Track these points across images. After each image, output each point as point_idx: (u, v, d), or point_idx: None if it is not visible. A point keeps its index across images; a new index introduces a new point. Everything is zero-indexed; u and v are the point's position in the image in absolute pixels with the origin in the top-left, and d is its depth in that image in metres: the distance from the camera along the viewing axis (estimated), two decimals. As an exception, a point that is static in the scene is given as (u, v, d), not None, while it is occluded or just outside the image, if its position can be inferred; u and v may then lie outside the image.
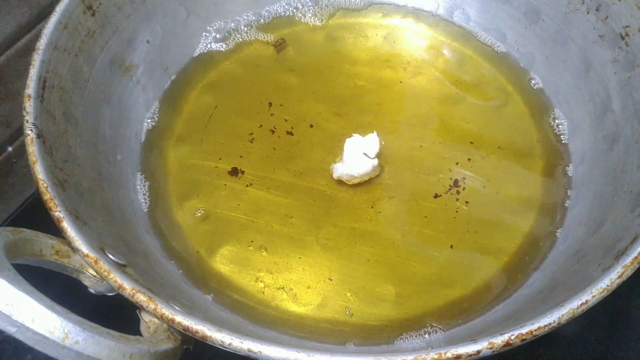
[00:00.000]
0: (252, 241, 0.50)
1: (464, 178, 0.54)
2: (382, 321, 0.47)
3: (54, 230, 0.37)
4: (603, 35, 0.54)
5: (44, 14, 0.54)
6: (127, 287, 0.34)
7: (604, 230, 0.45)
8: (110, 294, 0.40)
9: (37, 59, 0.43)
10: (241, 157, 0.56)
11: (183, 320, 0.33)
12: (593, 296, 0.34)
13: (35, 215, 0.41)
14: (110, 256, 0.38)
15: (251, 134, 0.57)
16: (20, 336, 0.30)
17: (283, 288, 0.48)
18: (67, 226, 0.36)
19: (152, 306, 0.33)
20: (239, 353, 0.32)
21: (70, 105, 0.46)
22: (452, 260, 0.50)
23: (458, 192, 0.54)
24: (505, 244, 0.51)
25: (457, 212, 0.52)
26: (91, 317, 0.32)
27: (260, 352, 0.31)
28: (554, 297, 0.43)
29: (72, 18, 0.47)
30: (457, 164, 0.55)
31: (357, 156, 0.52)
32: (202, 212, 0.52)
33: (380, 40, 0.65)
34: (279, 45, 0.61)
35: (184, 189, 0.53)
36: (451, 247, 0.50)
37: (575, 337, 0.52)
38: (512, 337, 0.31)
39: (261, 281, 0.48)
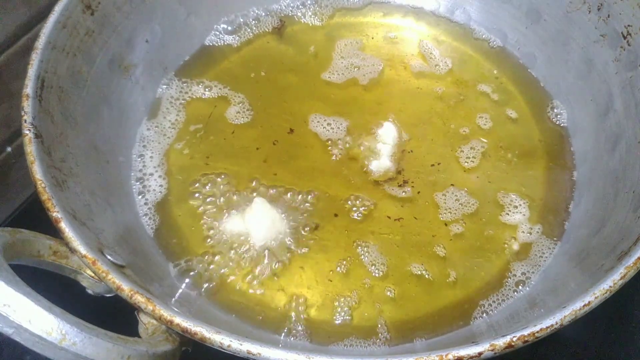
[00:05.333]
0: (251, 242, 0.50)
1: (464, 179, 0.54)
2: (383, 322, 0.46)
3: (53, 231, 0.37)
4: (605, 35, 0.53)
5: (44, 14, 0.54)
6: (126, 288, 0.34)
7: (606, 231, 0.45)
8: (108, 295, 0.40)
9: (35, 58, 0.43)
10: (241, 156, 0.55)
11: (182, 321, 0.32)
12: (596, 297, 0.33)
13: (34, 216, 0.40)
14: (109, 257, 0.37)
15: (251, 134, 0.57)
16: (17, 337, 0.30)
17: (283, 289, 0.48)
18: (65, 226, 0.36)
19: (150, 307, 0.33)
20: (238, 355, 0.31)
21: (69, 105, 0.46)
22: (453, 260, 0.49)
23: (459, 192, 0.53)
24: (507, 245, 0.50)
25: (458, 212, 0.52)
26: (89, 318, 0.32)
27: (260, 354, 0.31)
28: (556, 298, 0.42)
29: (71, 17, 0.47)
30: (457, 164, 0.55)
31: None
32: (202, 213, 0.52)
33: (380, 40, 0.65)
34: (280, 28, 0.61)
35: (184, 189, 0.53)
36: (452, 247, 0.50)
37: (577, 338, 0.52)
38: (514, 339, 0.31)
39: (261, 282, 0.48)
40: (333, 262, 0.49)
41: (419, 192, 0.53)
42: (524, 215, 0.52)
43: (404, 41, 0.65)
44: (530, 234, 0.51)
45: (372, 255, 0.49)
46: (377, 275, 0.48)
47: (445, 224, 0.51)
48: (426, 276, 0.49)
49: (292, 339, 0.45)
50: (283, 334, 0.45)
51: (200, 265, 0.49)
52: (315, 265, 0.49)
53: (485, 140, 0.57)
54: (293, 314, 0.47)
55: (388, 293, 0.48)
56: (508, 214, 0.52)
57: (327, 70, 0.61)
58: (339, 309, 0.47)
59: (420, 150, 0.56)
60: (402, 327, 0.46)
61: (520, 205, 0.53)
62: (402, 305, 0.47)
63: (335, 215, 0.52)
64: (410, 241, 0.50)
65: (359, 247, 0.50)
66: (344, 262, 0.49)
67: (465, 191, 0.53)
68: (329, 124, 0.57)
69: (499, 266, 0.49)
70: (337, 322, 0.46)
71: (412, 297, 0.48)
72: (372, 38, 0.65)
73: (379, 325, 0.46)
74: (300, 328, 0.46)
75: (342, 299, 0.47)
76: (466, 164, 0.55)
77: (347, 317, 0.47)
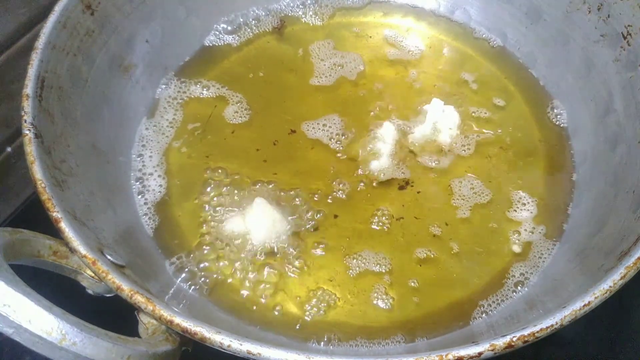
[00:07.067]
0: (252, 243, 0.50)
1: (466, 179, 0.54)
2: (384, 322, 0.46)
3: (53, 231, 0.37)
4: (605, 35, 0.53)
5: (44, 14, 0.54)
6: (126, 288, 0.34)
7: (606, 231, 0.45)
8: (108, 295, 0.40)
9: (35, 58, 0.43)
10: (241, 156, 0.55)
11: (182, 321, 0.32)
12: (596, 297, 0.33)
13: (34, 216, 0.40)
14: (109, 257, 0.37)
15: (251, 133, 0.57)
16: (17, 337, 0.30)
17: (283, 290, 0.48)
18: (65, 227, 0.36)
19: (150, 307, 0.33)
20: (238, 355, 0.31)
21: (69, 105, 0.46)
22: (452, 261, 0.49)
23: (458, 194, 0.53)
24: (506, 245, 0.50)
25: (458, 212, 0.52)
26: (89, 318, 0.32)
27: (260, 354, 0.31)
28: (556, 299, 0.42)
29: (71, 17, 0.47)
30: (457, 162, 0.55)
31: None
32: (202, 212, 0.52)
33: (380, 39, 0.65)
34: (280, 28, 0.61)
35: (184, 189, 0.53)
36: (452, 248, 0.50)
37: (577, 338, 0.52)
38: (514, 339, 0.31)
39: (261, 283, 0.48)
40: (333, 262, 0.49)
41: (419, 192, 0.53)
42: (532, 213, 0.52)
43: (404, 41, 0.65)
44: (533, 233, 0.51)
45: (374, 255, 0.49)
46: (378, 275, 0.48)
47: (445, 224, 0.51)
48: (427, 277, 0.48)
49: (292, 339, 0.45)
50: (283, 334, 0.45)
51: (201, 265, 0.49)
52: (316, 266, 0.49)
53: (485, 140, 0.57)
54: (293, 314, 0.47)
55: (389, 294, 0.48)
56: (509, 215, 0.52)
57: (314, 75, 0.61)
58: (340, 309, 0.47)
59: (420, 148, 0.56)
60: (403, 327, 0.46)
61: (521, 206, 0.53)
62: (403, 305, 0.47)
63: (335, 216, 0.52)
64: (411, 242, 0.50)
65: (360, 247, 0.50)
66: (346, 262, 0.49)
67: (465, 192, 0.53)
68: (326, 125, 0.57)
69: (498, 265, 0.49)
70: (338, 322, 0.46)
71: (413, 298, 0.47)
72: (373, 37, 0.65)
73: (380, 326, 0.46)
74: (300, 328, 0.46)
75: (343, 299, 0.47)
76: (466, 163, 0.55)
77: (349, 317, 0.47)
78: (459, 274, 0.49)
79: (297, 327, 0.46)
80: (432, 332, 0.46)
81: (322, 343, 0.45)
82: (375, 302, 0.47)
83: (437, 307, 0.47)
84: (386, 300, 0.47)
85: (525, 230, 0.51)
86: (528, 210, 0.52)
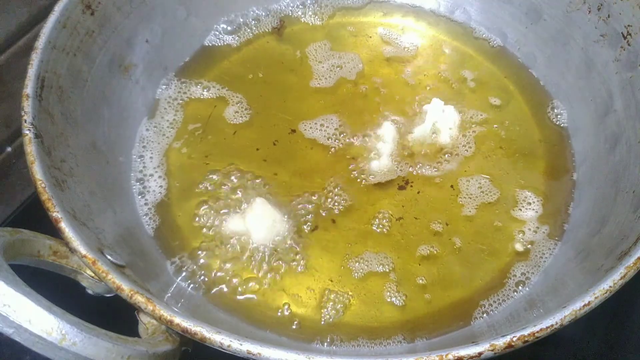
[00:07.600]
0: (252, 242, 0.50)
1: (466, 178, 0.54)
2: (384, 322, 0.46)
3: (53, 231, 0.37)
4: (605, 35, 0.53)
5: (44, 14, 0.54)
6: (126, 288, 0.34)
7: (607, 230, 0.45)
8: (108, 295, 0.40)
9: (35, 58, 0.43)
10: (241, 156, 0.55)
11: (182, 321, 0.32)
12: (596, 297, 0.33)
13: (34, 216, 0.40)
14: (109, 257, 0.37)
15: (251, 133, 0.57)
16: (17, 337, 0.30)
17: (283, 289, 0.48)
18: (65, 227, 0.36)
19: (150, 307, 0.33)
20: (238, 355, 0.31)
21: (69, 105, 0.46)
22: (453, 261, 0.49)
23: (460, 193, 0.53)
24: (506, 245, 0.50)
25: (458, 212, 0.52)
26: (89, 318, 0.32)
27: (260, 354, 0.31)
28: (556, 298, 0.42)
29: (71, 17, 0.47)
30: (457, 163, 0.55)
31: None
32: (202, 212, 0.52)
33: (380, 39, 0.65)
34: (280, 28, 0.61)
35: (184, 189, 0.53)
36: (453, 248, 0.50)
37: (577, 338, 0.52)
38: (514, 339, 0.31)
39: (261, 283, 0.48)
40: (334, 262, 0.49)
41: (419, 192, 0.53)
42: (537, 212, 0.52)
43: (404, 41, 0.65)
44: (536, 232, 0.51)
45: (374, 255, 0.49)
46: (379, 275, 0.48)
47: (446, 224, 0.51)
48: (428, 277, 0.48)
49: (292, 339, 0.45)
50: (283, 334, 0.46)
51: (201, 265, 0.49)
52: (316, 265, 0.49)
53: (485, 140, 0.57)
54: (293, 314, 0.47)
55: (390, 294, 0.48)
56: (509, 215, 0.52)
57: (313, 77, 0.61)
58: (340, 310, 0.47)
59: (419, 148, 0.56)
60: (403, 327, 0.46)
61: (521, 206, 0.53)
62: (403, 305, 0.47)
63: (335, 217, 0.52)
64: (412, 242, 0.50)
65: (360, 247, 0.50)
66: (346, 262, 0.49)
67: (465, 192, 0.53)
68: (324, 125, 0.57)
69: (500, 264, 0.49)
70: (339, 322, 0.46)
71: (413, 298, 0.47)
72: (372, 37, 0.65)
73: (381, 326, 0.46)
74: (300, 328, 0.46)
75: (343, 300, 0.47)
76: (466, 163, 0.55)
77: (350, 318, 0.47)
78: (461, 274, 0.49)
79: (298, 328, 0.46)
80: (432, 332, 0.46)
81: (325, 343, 0.45)
82: (376, 303, 0.47)
83: (438, 307, 0.47)
84: (390, 301, 0.47)
85: (529, 229, 0.51)
86: (533, 209, 0.52)
